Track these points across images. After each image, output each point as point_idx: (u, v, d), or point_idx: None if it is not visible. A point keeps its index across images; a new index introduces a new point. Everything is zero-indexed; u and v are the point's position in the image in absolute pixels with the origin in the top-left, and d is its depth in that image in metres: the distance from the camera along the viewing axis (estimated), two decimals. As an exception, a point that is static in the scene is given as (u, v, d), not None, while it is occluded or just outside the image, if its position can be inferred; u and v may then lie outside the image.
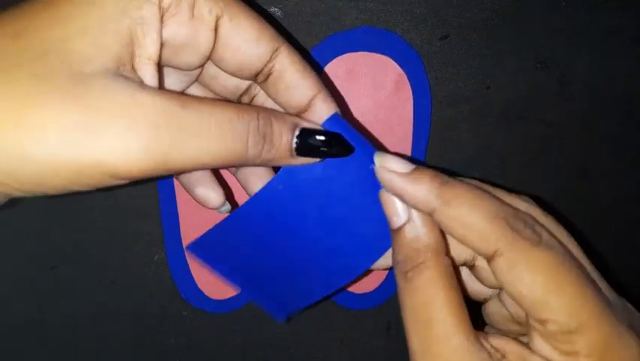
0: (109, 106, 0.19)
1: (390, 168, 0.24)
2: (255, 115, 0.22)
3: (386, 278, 0.41)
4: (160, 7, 0.21)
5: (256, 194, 0.27)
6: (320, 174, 0.26)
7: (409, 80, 0.38)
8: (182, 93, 0.21)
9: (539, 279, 0.21)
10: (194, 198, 0.29)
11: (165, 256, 0.40)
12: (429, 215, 0.24)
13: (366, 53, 0.38)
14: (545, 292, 0.21)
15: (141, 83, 0.20)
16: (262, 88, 0.26)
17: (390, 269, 0.40)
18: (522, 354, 0.22)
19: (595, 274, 0.23)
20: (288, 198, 0.27)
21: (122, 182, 0.20)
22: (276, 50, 0.24)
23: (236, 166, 0.25)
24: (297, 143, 0.24)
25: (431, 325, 0.22)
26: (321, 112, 0.25)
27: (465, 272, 0.27)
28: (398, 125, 0.39)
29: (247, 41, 0.23)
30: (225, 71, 0.24)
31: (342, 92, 0.38)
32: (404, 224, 0.24)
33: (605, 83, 0.41)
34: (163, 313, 0.41)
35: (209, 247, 0.28)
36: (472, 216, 0.22)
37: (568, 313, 0.21)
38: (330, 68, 0.38)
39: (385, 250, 0.28)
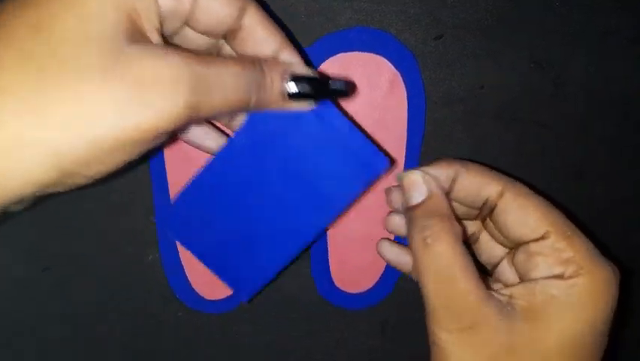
0: (151, 75, 0.21)
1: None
2: (254, 66, 0.25)
3: (381, 278, 0.41)
4: None
5: (219, 152, 0.30)
6: (279, 128, 0.29)
7: (404, 80, 0.38)
8: (199, 53, 0.24)
9: (538, 204, 0.28)
10: (206, 150, 0.32)
11: (159, 257, 0.40)
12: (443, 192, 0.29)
13: (360, 53, 0.38)
14: (544, 211, 0.28)
15: (166, 48, 0.22)
16: (230, 45, 0.28)
17: (385, 270, 0.41)
18: (525, 287, 0.27)
19: None
20: (249, 153, 0.29)
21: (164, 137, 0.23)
22: (244, 9, 0.26)
23: (238, 112, 0.29)
24: (288, 88, 0.27)
25: (454, 282, 0.26)
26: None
27: None
28: (393, 125, 0.39)
29: (220, 2, 0.25)
30: (198, 31, 0.26)
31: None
32: (425, 199, 0.29)
33: (601, 85, 0.41)
34: (158, 314, 0.41)
35: (181, 220, 0.32)
36: (484, 170, 0.30)
37: (565, 223, 0.28)
38: (324, 68, 0.38)
39: (338, 210, 0.31)
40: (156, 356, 0.42)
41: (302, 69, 0.27)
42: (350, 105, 0.38)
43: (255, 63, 0.25)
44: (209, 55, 0.24)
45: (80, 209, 0.39)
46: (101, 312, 0.41)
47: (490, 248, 0.32)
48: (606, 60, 0.40)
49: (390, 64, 0.38)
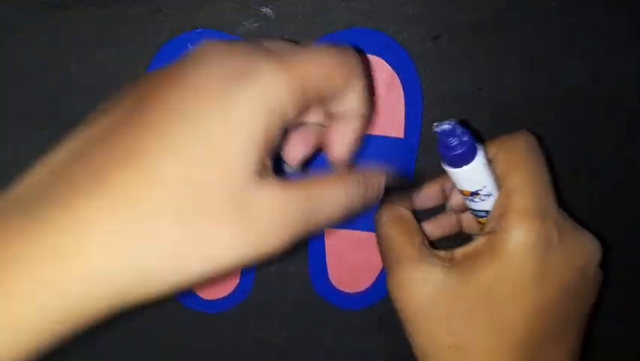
0: (263, 216, 0.23)
1: None
2: (358, 184, 0.27)
3: (378, 278, 0.41)
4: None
5: None
6: None
7: (401, 80, 0.38)
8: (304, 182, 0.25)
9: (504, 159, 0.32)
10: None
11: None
12: None
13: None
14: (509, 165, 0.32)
15: (281, 186, 0.23)
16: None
17: (382, 269, 0.41)
18: (465, 248, 0.30)
19: None
20: None
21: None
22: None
23: None
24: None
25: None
26: None
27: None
28: (390, 125, 0.39)
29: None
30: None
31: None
32: None
33: (596, 84, 0.41)
34: (155, 313, 0.41)
35: None
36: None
37: (523, 179, 0.31)
38: (321, 69, 0.38)
39: None
40: (154, 356, 0.42)
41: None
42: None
43: (358, 180, 0.27)
44: (312, 182, 0.25)
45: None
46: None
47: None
48: (600, 60, 0.41)
49: (387, 64, 0.38)
